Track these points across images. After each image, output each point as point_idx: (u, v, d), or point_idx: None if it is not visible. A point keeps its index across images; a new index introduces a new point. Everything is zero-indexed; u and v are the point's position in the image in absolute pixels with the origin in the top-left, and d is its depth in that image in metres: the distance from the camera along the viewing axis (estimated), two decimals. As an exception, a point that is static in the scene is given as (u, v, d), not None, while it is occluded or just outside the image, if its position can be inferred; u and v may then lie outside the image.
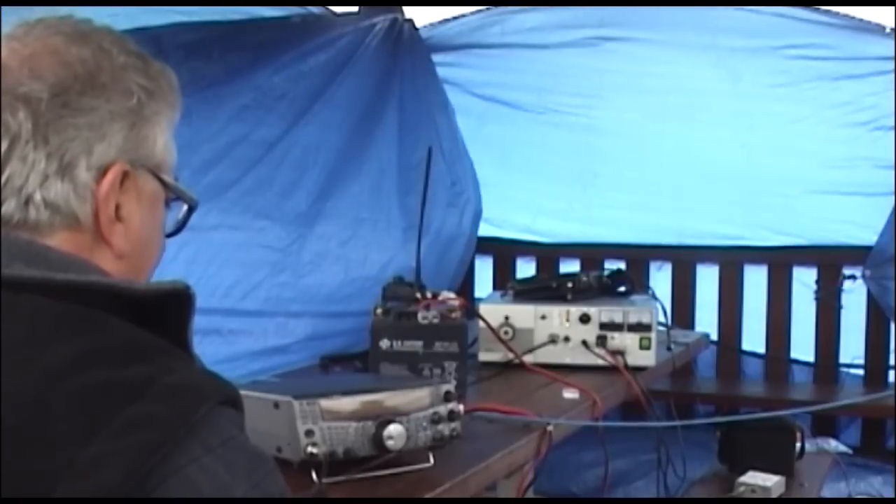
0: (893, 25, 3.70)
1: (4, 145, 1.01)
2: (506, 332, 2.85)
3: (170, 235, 1.17)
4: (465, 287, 4.38)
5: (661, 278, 4.31)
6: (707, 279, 4.35)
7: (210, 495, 0.91)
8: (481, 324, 2.82)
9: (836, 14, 3.76)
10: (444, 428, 1.91)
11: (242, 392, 1.02)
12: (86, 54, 1.06)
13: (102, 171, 1.04)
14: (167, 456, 0.89)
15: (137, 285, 1.03)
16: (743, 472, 3.02)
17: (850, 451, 3.74)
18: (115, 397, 0.90)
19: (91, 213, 1.04)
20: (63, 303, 0.96)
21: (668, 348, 3.13)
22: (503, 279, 4.14)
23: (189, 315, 1.03)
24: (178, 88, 1.14)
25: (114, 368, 0.92)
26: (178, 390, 0.93)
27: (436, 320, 2.43)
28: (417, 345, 2.42)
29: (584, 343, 2.87)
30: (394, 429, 1.82)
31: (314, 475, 1.75)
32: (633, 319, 2.88)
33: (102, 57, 1.07)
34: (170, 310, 1.02)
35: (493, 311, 2.88)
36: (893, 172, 3.85)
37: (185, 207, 1.16)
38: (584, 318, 2.89)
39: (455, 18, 4.09)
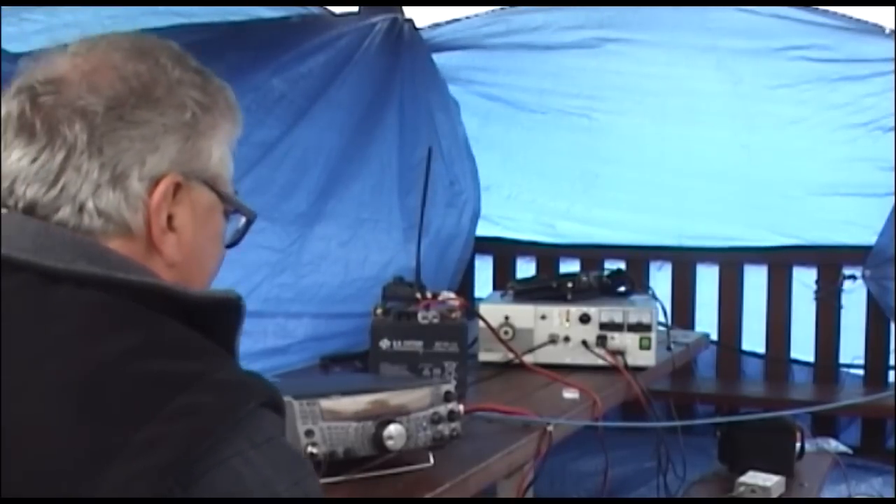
0: (893, 26, 3.70)
1: (61, 156, 1.05)
2: (506, 332, 2.85)
3: (229, 246, 1.21)
4: (465, 287, 4.38)
5: (661, 278, 4.31)
6: (707, 279, 4.35)
7: (252, 488, 0.94)
8: (481, 324, 2.82)
9: (836, 15, 3.75)
10: (444, 428, 1.91)
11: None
12: (142, 69, 1.09)
13: (155, 182, 1.08)
14: (214, 445, 0.93)
15: (193, 291, 1.07)
16: (743, 472, 3.02)
17: (850, 452, 3.74)
18: (167, 386, 0.94)
19: (143, 222, 1.08)
20: (122, 300, 1.01)
21: (668, 348, 3.14)
22: (503, 279, 4.14)
23: (238, 323, 1.09)
24: (238, 105, 1.19)
25: (166, 361, 0.97)
26: (227, 385, 0.97)
27: (436, 320, 2.44)
28: (417, 345, 2.42)
29: (584, 343, 2.87)
30: (394, 429, 1.82)
31: (314, 475, 1.75)
32: (633, 319, 2.88)
33: (158, 72, 1.10)
34: (220, 317, 1.07)
35: (493, 311, 2.88)
36: (893, 173, 3.85)
37: (244, 219, 1.21)
38: (584, 318, 2.89)
39: (457, 21, 4.08)
